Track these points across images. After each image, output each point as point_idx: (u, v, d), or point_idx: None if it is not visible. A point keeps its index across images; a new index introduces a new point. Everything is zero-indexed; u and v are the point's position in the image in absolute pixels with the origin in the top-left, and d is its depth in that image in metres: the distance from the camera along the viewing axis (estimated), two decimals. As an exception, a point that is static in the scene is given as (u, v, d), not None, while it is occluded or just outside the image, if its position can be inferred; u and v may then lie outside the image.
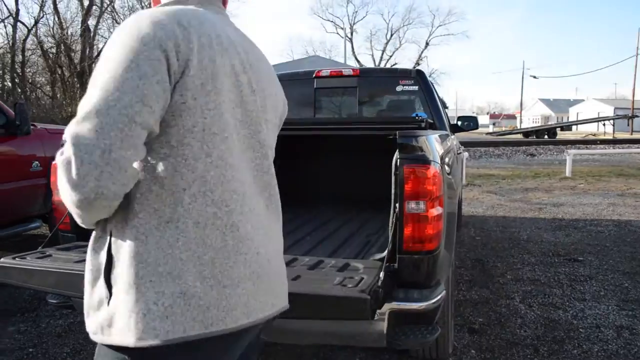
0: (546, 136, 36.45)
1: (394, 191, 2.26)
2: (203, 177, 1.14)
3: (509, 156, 19.91)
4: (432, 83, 4.96)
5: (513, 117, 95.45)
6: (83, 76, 24.70)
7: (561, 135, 40.17)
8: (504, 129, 59.06)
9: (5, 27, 24.42)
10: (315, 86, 4.83)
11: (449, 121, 5.75)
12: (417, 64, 51.07)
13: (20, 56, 23.48)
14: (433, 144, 2.46)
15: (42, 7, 25.20)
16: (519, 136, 38.07)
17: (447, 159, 3.03)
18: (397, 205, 2.24)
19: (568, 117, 79.83)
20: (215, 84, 1.16)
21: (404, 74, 4.68)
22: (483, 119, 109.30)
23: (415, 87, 4.59)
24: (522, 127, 56.50)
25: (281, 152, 4.58)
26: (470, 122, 6.04)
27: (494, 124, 78.65)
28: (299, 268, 2.21)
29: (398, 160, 2.23)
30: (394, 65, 48.78)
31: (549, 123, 58.78)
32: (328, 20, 56.25)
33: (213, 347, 1.15)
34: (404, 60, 51.91)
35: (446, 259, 2.60)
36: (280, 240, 1.38)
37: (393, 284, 2.23)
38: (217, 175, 1.16)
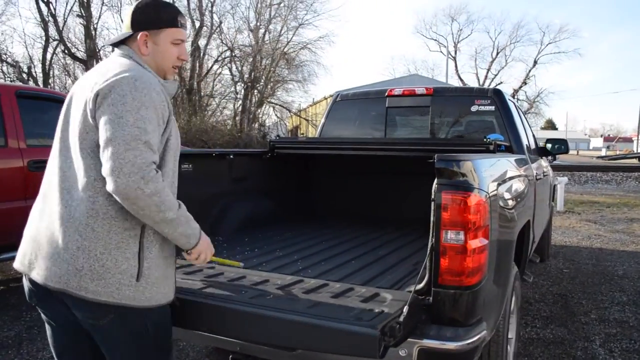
0: (666, 162, 33.47)
1: (432, 219, 2.10)
2: None
3: (619, 182, 18.46)
4: (513, 102, 4.66)
5: (630, 140, 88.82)
6: (191, 92, 26.11)
7: (684, 161, 36.66)
8: (618, 152, 55.10)
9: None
10: (387, 105, 4.70)
11: (535, 144, 5.39)
12: (524, 83, 48.95)
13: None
14: (482, 169, 2.27)
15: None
16: (634, 161, 35.28)
17: (508, 186, 2.80)
18: (434, 234, 2.08)
19: (694, 142, 72.88)
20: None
21: (479, 94, 4.43)
22: (596, 142, 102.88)
23: (492, 107, 4.32)
24: (639, 151, 52.33)
25: (339, 171, 4.55)
26: (560, 146, 5.63)
27: (607, 147, 73.75)
28: (324, 295, 2.10)
29: (436, 186, 2.07)
30: (499, 84, 47.21)
31: (671, 148, 53.92)
32: (431, 38, 55.11)
33: None
34: (510, 79, 50.23)
35: (495, 296, 2.38)
36: (57, 223, 1.66)
37: (427, 320, 2.07)
38: None
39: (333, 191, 4.60)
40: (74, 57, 24.13)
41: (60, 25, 23.47)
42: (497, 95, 4.37)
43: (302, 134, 34.19)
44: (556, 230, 8.24)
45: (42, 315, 1.85)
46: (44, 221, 1.69)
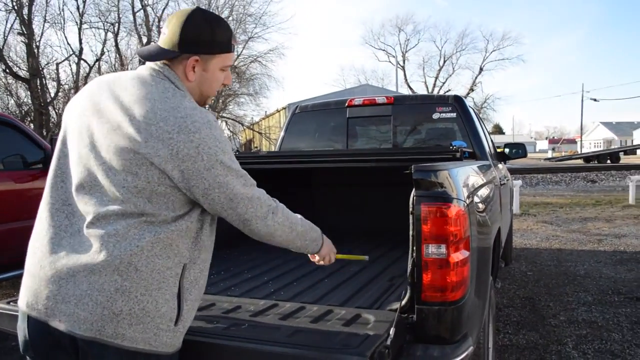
0: (609, 161, 34.89)
1: (411, 233, 2.00)
2: None
3: (568, 183, 19.04)
4: (472, 109, 4.66)
5: (573, 141, 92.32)
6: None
7: (625, 159, 38.30)
8: (563, 154, 57.05)
9: (70, 65, 25.66)
10: (347, 115, 4.62)
11: (494, 149, 5.42)
12: (471, 89, 50.22)
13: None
14: (457, 178, 2.19)
15: (104, 44, 26.41)
16: (579, 161, 36.62)
17: (480, 193, 2.74)
18: (415, 248, 1.98)
19: (632, 141, 76.40)
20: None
21: (440, 101, 4.41)
22: (542, 144, 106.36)
23: (453, 114, 4.31)
24: (583, 151, 54.36)
25: (300, 183, 4.43)
26: (518, 150, 5.66)
27: (553, 149, 76.36)
28: (302, 320, 1.97)
29: (414, 198, 1.98)
30: (447, 91, 48.17)
31: (612, 147, 56.28)
32: (380, 49, 55.68)
33: None
34: (457, 87, 51.20)
35: (477, 308, 2.30)
36: (87, 263, 1.45)
37: (411, 339, 1.96)
38: None
39: (297, 205, 4.46)
40: (16, 76, 23.24)
41: (0, 43, 22.58)
42: (458, 102, 4.35)
43: (256, 147, 33.98)
44: (515, 233, 8.35)
45: None
46: (62, 260, 1.45)
